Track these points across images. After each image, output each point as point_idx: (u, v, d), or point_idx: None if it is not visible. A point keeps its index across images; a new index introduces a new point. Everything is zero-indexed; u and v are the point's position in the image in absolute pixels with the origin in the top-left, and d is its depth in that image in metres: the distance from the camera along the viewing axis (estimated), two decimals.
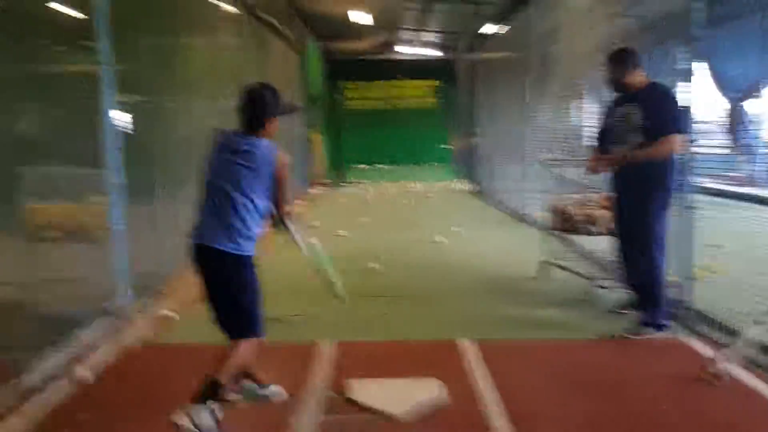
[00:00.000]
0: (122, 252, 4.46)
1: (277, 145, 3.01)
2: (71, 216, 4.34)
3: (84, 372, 3.52)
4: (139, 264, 4.87)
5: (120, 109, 4.48)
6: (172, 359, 3.76)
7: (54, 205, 4.30)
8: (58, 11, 4.49)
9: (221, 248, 2.84)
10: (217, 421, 2.71)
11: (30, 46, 3.80)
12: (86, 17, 4.21)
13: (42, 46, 4.00)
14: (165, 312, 4.68)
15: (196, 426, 2.64)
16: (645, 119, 4.07)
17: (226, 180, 2.86)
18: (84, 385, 3.45)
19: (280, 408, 3.18)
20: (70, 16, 4.53)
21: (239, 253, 2.86)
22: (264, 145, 2.90)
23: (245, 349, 2.89)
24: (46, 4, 4.23)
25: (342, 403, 3.21)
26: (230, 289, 2.92)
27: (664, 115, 4.06)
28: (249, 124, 2.92)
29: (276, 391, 3.26)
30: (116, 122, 4.42)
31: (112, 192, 4.35)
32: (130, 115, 4.89)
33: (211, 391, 2.73)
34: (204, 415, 2.67)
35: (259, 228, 2.92)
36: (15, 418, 2.97)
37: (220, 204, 2.86)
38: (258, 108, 2.91)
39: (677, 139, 4.06)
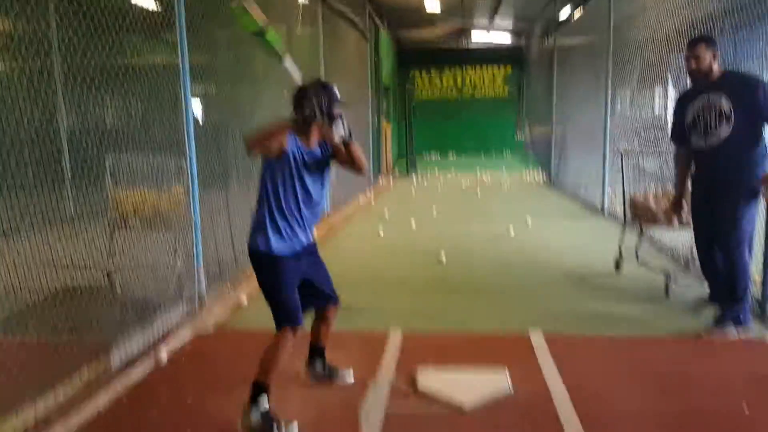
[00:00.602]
0: (199, 239, 4.62)
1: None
2: (152, 204, 4.51)
3: (162, 353, 3.68)
4: (216, 251, 5.03)
5: (197, 100, 4.62)
6: (243, 343, 3.86)
7: (136, 192, 4.49)
8: (139, 6, 4.66)
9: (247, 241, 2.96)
10: (271, 418, 2.79)
11: (113, 39, 3.96)
12: (165, 11, 4.36)
13: (125, 39, 4.16)
14: (239, 298, 4.82)
15: (249, 429, 2.79)
16: (734, 108, 3.84)
17: None
18: (161, 365, 3.61)
19: (348, 392, 3.23)
20: (150, 10, 4.70)
21: (249, 245, 2.92)
22: None
23: (274, 344, 2.89)
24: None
25: (409, 391, 3.22)
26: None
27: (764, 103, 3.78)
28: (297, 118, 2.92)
29: (344, 374, 3.34)
30: (193, 112, 4.55)
31: (191, 181, 4.50)
32: (207, 105, 5.04)
33: (255, 392, 2.83)
34: (254, 417, 2.79)
35: (268, 218, 2.86)
36: (101, 395, 3.18)
37: None
38: (298, 102, 2.89)
39: None
